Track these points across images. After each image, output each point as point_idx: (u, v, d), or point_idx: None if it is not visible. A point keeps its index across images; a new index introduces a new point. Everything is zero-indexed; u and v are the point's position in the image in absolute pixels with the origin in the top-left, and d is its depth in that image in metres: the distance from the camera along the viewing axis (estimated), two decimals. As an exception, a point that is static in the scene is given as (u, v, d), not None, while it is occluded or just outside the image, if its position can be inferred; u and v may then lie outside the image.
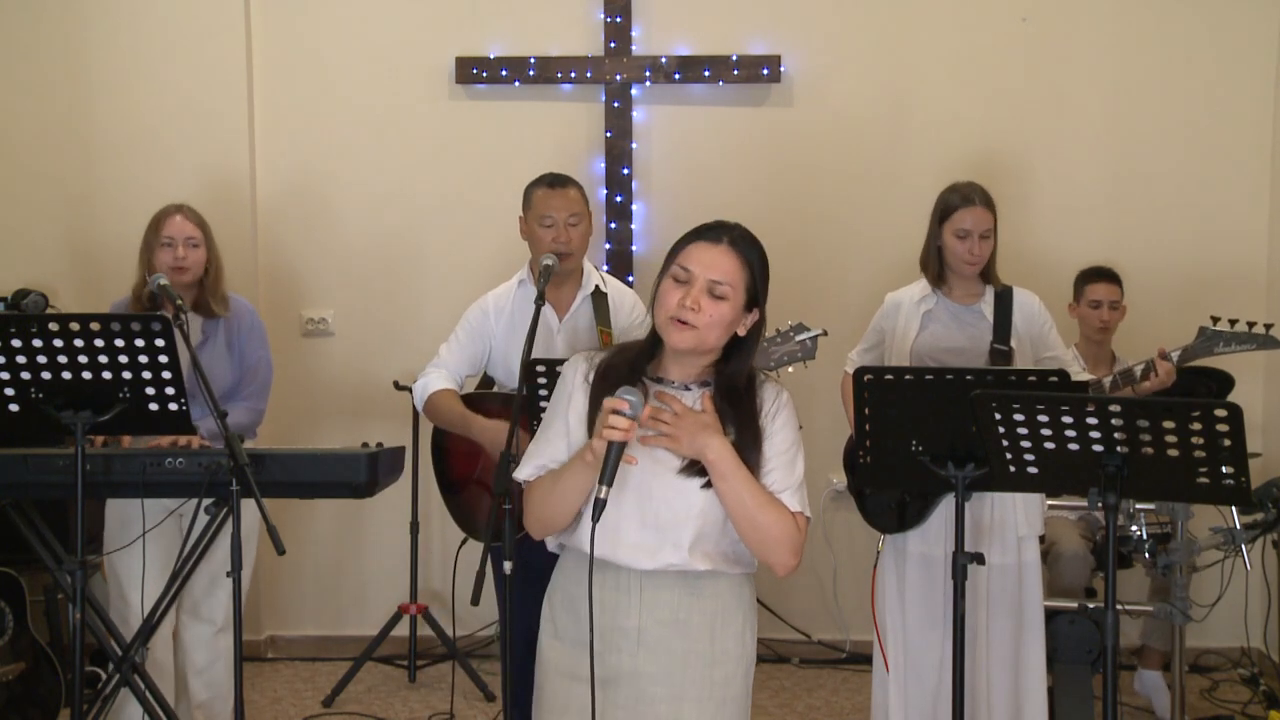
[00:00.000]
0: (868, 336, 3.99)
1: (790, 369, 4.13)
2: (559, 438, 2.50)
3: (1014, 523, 3.67)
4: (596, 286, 3.90)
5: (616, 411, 2.28)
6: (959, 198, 3.81)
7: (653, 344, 2.50)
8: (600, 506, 2.29)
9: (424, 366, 3.85)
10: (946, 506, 3.59)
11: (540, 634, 2.59)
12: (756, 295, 2.45)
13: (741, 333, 2.46)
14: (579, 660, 2.43)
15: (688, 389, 2.48)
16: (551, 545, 2.60)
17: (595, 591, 2.39)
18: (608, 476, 2.29)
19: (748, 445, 2.45)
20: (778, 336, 4.01)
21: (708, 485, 2.42)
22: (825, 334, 3.98)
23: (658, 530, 2.42)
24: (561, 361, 2.96)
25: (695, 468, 2.42)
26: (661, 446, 2.41)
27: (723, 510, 2.43)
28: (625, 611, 2.45)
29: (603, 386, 2.45)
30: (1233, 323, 3.65)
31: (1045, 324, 3.85)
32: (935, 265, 3.86)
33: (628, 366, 2.49)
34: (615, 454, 2.29)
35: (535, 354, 3.42)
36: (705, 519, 2.44)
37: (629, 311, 3.96)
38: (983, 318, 3.82)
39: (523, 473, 2.53)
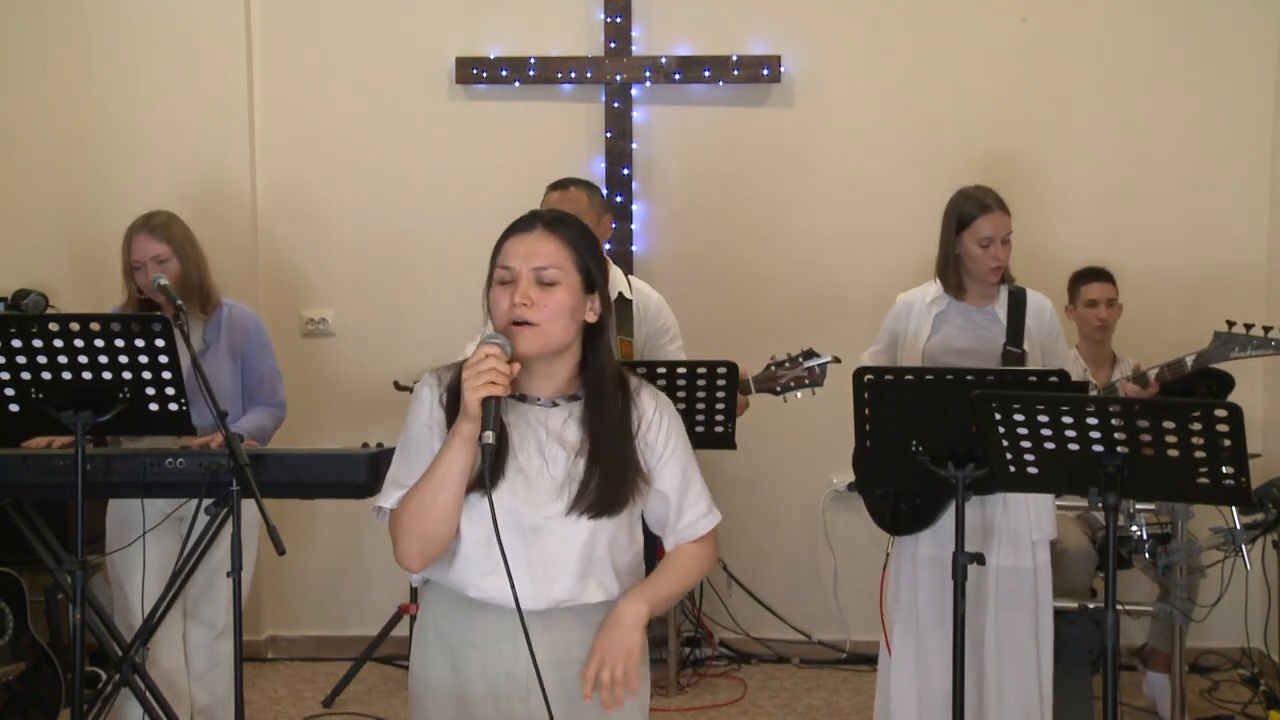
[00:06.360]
0: (879, 339, 3.93)
1: (799, 395, 4.08)
2: (427, 464, 2.22)
3: (1027, 526, 3.64)
4: (620, 294, 3.85)
5: (492, 355, 2.12)
6: (977, 205, 3.72)
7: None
8: (489, 451, 2.11)
9: (424, 367, 3.83)
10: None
11: (411, 678, 2.39)
12: (591, 275, 2.25)
13: (591, 319, 2.26)
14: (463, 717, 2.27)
15: (555, 405, 2.27)
16: (415, 579, 2.37)
17: (477, 638, 2.28)
18: (489, 423, 2.11)
19: (622, 463, 2.24)
20: (786, 362, 3.93)
21: (595, 516, 2.24)
22: (838, 361, 3.89)
23: (545, 566, 2.23)
24: None
25: (581, 506, 2.23)
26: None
27: (608, 535, 2.27)
28: (512, 657, 2.24)
29: (456, 408, 2.20)
30: (1248, 327, 3.65)
31: (1055, 331, 3.81)
32: (954, 274, 3.78)
33: None
34: (493, 409, 2.12)
35: None
36: (593, 547, 2.25)
37: (654, 318, 3.90)
38: (996, 319, 3.77)
39: (389, 499, 2.25)
